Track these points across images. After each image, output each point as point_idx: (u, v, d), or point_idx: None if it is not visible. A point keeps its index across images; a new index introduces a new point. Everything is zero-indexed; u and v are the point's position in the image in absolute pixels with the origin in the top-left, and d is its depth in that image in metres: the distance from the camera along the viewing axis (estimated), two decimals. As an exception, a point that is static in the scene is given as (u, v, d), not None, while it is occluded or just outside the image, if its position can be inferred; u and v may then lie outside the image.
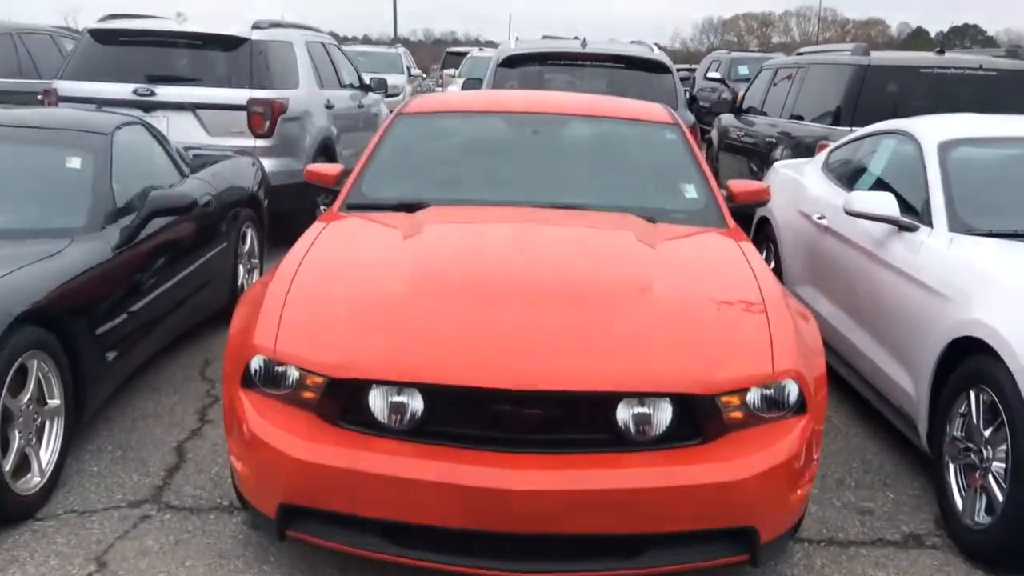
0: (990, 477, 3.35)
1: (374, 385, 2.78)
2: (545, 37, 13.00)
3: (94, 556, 3.23)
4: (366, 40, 57.38)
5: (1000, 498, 3.27)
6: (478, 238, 3.78)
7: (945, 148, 4.43)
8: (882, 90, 7.29)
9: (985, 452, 3.39)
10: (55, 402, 3.61)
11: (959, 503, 3.52)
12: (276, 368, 2.90)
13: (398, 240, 3.56)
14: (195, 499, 3.65)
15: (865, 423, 4.64)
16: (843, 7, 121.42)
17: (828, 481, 4.00)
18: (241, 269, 5.89)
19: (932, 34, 64.23)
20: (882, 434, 4.49)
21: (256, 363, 2.93)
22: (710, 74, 18.97)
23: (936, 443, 3.72)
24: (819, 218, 5.23)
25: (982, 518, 3.38)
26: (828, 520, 3.67)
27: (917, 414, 3.87)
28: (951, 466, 3.60)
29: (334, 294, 3.14)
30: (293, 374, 2.87)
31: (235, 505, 3.56)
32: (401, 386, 2.77)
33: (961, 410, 3.54)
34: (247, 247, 6.03)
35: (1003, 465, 3.27)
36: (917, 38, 65.66)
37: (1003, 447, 3.27)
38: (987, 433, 3.39)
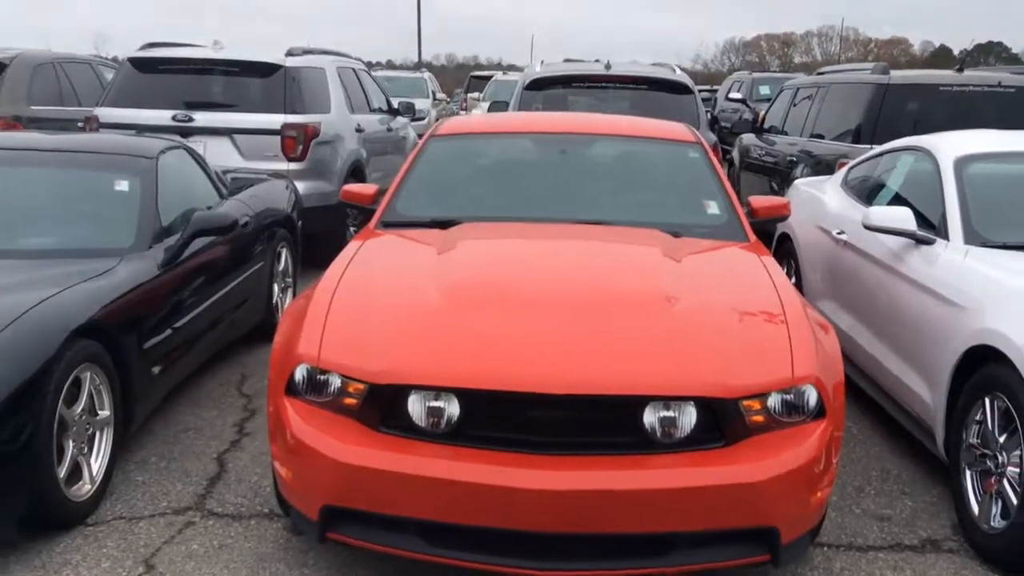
0: (1005, 482, 3.46)
1: (413, 391, 2.94)
2: (567, 60, 13.20)
3: (143, 559, 3.40)
4: (390, 65, 57.96)
5: (1015, 502, 3.37)
6: (510, 252, 3.95)
7: (961, 164, 4.55)
8: (902, 108, 7.41)
9: (1000, 458, 3.49)
10: (105, 413, 3.79)
11: (975, 508, 3.62)
12: (319, 376, 3.07)
13: (433, 255, 3.73)
14: (236, 506, 3.82)
15: (884, 434, 4.75)
16: (865, 26, 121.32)
17: (848, 489, 4.11)
18: (276, 288, 6.08)
19: (955, 52, 64.00)
20: (901, 444, 4.59)
21: (300, 372, 3.10)
22: (731, 95, 19.10)
23: (952, 450, 3.82)
24: (839, 233, 5.35)
25: (997, 523, 3.48)
26: (847, 526, 3.78)
27: (934, 422, 3.98)
28: (967, 472, 3.71)
29: (373, 306, 3.31)
30: (335, 382, 3.03)
31: (275, 512, 3.72)
32: (439, 391, 2.92)
33: (977, 417, 3.65)
34: (282, 267, 6.22)
35: (1017, 470, 3.38)
36: (940, 56, 65.43)
37: (1017, 452, 3.38)
38: (1002, 439, 3.49)
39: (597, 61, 8.95)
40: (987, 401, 3.57)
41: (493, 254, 3.91)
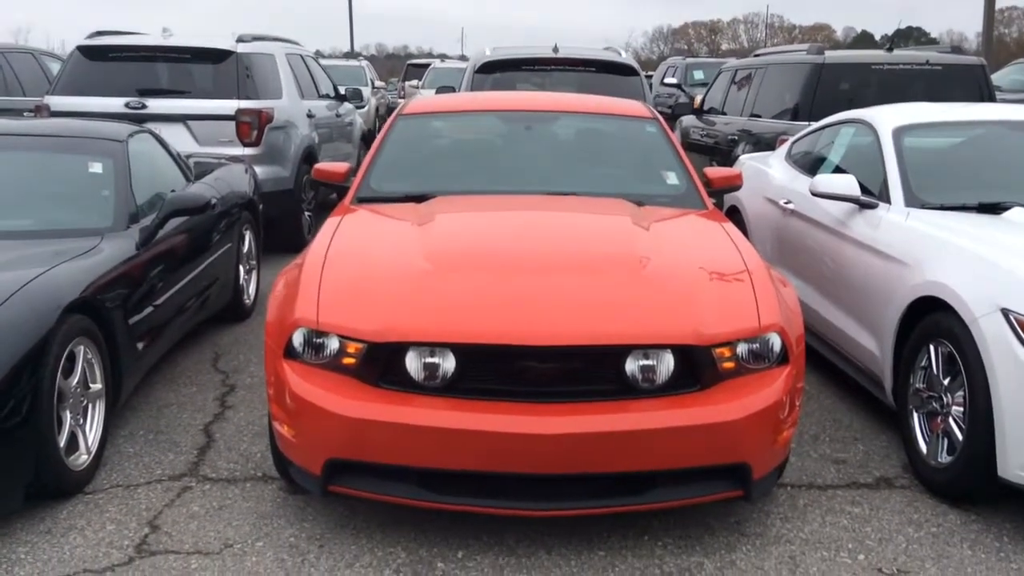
0: (950, 421, 3.77)
1: (411, 348, 3.13)
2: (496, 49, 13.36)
3: (147, 521, 3.53)
4: (319, 54, 57.38)
5: (960, 439, 3.68)
6: (486, 220, 4.15)
7: (899, 133, 4.88)
8: (836, 86, 7.77)
9: (945, 399, 3.80)
10: (97, 386, 3.90)
11: (924, 447, 3.93)
12: (317, 338, 3.23)
13: (413, 226, 3.91)
14: (230, 472, 3.96)
15: (835, 389, 5.06)
16: (790, 13, 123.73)
17: (805, 437, 4.40)
18: (242, 270, 6.19)
19: (877, 37, 65.67)
20: (851, 397, 4.91)
21: (299, 335, 3.26)
22: (666, 80, 19.48)
23: (900, 396, 4.13)
24: (785, 203, 5.66)
25: (944, 459, 3.79)
26: (807, 469, 4.07)
27: (883, 372, 4.29)
28: (915, 415, 4.02)
29: (364, 271, 3.48)
30: (334, 343, 3.20)
31: (268, 475, 3.88)
32: (434, 347, 3.12)
33: (922, 364, 3.95)
34: (246, 248, 6.32)
35: (961, 409, 3.69)
36: (862, 41, 67.12)
37: (961, 393, 3.69)
38: (946, 382, 3.81)
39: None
40: (932, 348, 3.88)
41: (472, 223, 4.11)
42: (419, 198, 4.38)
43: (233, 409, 4.65)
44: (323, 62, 23.46)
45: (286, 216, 8.11)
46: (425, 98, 5.61)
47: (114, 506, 3.64)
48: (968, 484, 3.67)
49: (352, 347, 3.17)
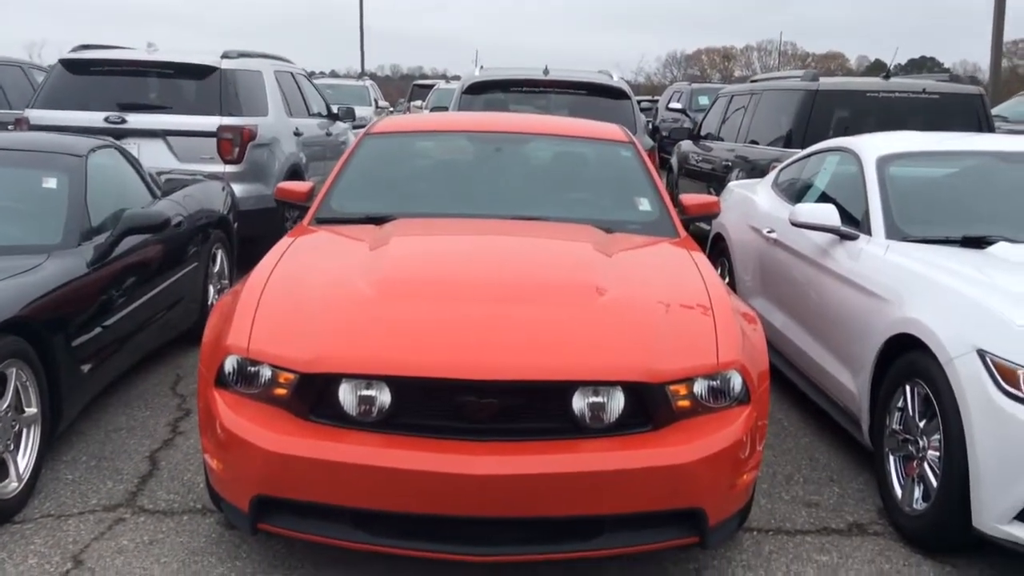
0: (926, 466, 3.57)
1: (343, 379, 2.94)
2: (485, 69, 13.27)
3: (71, 555, 3.34)
4: (333, 74, 57.65)
5: (935, 485, 3.47)
6: (442, 246, 3.97)
7: (883, 163, 4.69)
8: (831, 113, 7.60)
9: (921, 442, 3.60)
10: (32, 410, 3.73)
11: (899, 492, 3.73)
12: (249, 367, 3.06)
13: (365, 249, 3.74)
14: (168, 503, 3.78)
15: (815, 427, 4.86)
16: (803, 41, 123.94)
17: (778, 477, 4.20)
18: (212, 289, 6.03)
19: (891, 66, 65.52)
20: (830, 436, 4.70)
21: (230, 363, 3.08)
22: (672, 105, 19.39)
23: (876, 437, 3.93)
24: (768, 232, 5.47)
25: (919, 505, 3.59)
26: (777, 512, 3.86)
27: (859, 410, 4.09)
28: (891, 457, 3.81)
29: (304, 297, 3.30)
30: (265, 373, 3.03)
31: (208, 507, 3.69)
32: (369, 379, 2.93)
33: (899, 404, 3.76)
34: (217, 268, 6.16)
35: (937, 454, 3.49)
36: (875, 70, 66.97)
37: (936, 436, 3.49)
38: (922, 424, 3.61)
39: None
40: (908, 388, 3.68)
41: (425, 248, 3.94)
42: (380, 220, 4.21)
43: (184, 435, 4.48)
44: (330, 81, 23.59)
45: (268, 235, 7.94)
46: (396, 117, 5.46)
47: (40, 537, 3.46)
48: (943, 533, 3.47)
49: (283, 377, 2.99)
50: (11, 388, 3.57)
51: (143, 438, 4.42)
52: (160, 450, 4.29)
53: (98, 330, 4.29)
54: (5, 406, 3.54)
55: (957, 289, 3.61)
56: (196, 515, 3.67)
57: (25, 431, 3.71)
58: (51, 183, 4.55)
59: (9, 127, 8.14)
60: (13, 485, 3.60)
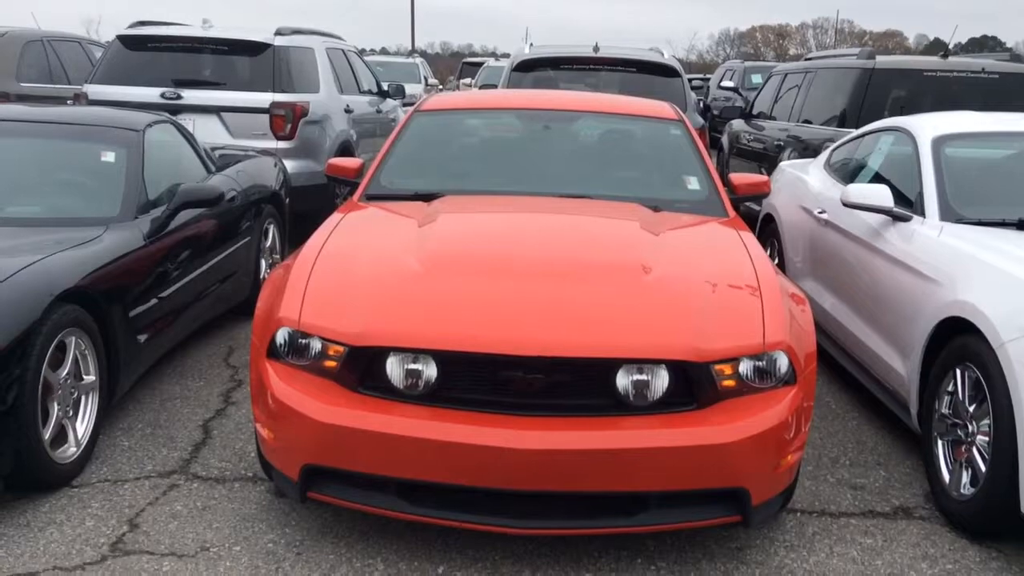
0: (975, 451, 3.53)
1: (391, 353, 2.99)
2: (535, 47, 13.22)
3: (127, 519, 3.45)
4: (384, 52, 57.81)
5: (983, 470, 3.44)
6: (489, 223, 4.00)
7: (938, 143, 4.62)
8: (886, 93, 7.47)
9: (970, 427, 3.56)
10: (90, 378, 3.84)
11: (946, 477, 3.69)
12: (300, 339, 3.12)
13: (414, 226, 3.78)
14: (220, 470, 3.87)
15: (864, 410, 4.82)
16: (861, 19, 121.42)
17: (824, 460, 4.18)
18: (264, 264, 6.12)
19: (951, 45, 64.14)
20: (879, 419, 4.66)
21: (282, 335, 3.15)
22: (724, 83, 19.14)
23: (925, 421, 3.89)
24: (820, 212, 5.41)
25: (967, 490, 3.55)
26: (821, 494, 3.85)
27: (908, 394, 4.05)
28: (939, 442, 3.78)
29: (354, 272, 3.35)
30: (316, 345, 3.09)
31: (259, 476, 3.78)
32: (416, 353, 2.98)
33: (949, 388, 3.71)
34: (269, 243, 6.26)
35: (986, 439, 3.45)
36: (934, 49, 65.51)
37: (986, 421, 3.45)
38: (972, 409, 3.56)
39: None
40: (958, 372, 3.64)
41: (473, 225, 3.96)
42: (428, 196, 4.25)
43: (236, 405, 4.57)
44: (380, 59, 23.68)
45: (318, 210, 8.04)
46: (445, 94, 5.48)
47: (97, 501, 3.57)
48: (990, 519, 3.43)
49: (333, 350, 3.05)
50: (70, 356, 3.67)
51: (196, 407, 4.53)
52: (213, 419, 4.39)
53: (154, 301, 4.39)
54: (64, 374, 3.65)
55: (1011, 272, 3.55)
56: (247, 483, 3.76)
57: (83, 398, 3.82)
58: (109, 157, 4.65)
59: (68, 102, 8.30)
60: (72, 450, 3.71)
